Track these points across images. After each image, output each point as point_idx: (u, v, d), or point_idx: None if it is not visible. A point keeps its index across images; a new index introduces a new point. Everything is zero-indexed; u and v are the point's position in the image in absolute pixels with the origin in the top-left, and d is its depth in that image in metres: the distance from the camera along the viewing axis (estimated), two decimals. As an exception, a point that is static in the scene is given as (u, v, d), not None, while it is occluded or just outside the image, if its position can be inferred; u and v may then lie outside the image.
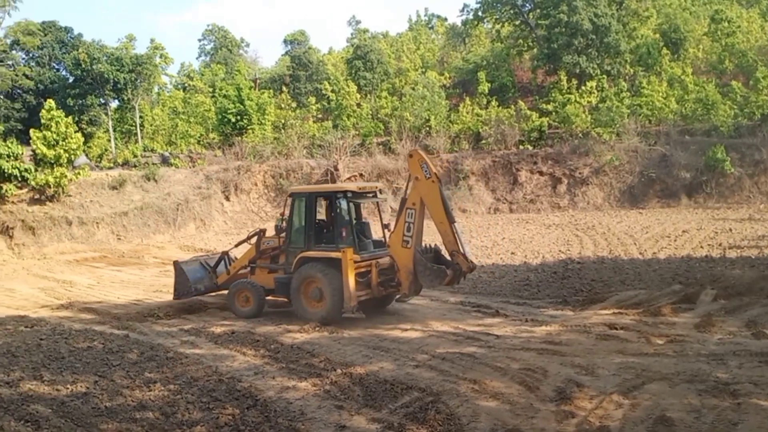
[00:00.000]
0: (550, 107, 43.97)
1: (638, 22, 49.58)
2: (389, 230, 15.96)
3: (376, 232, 16.89)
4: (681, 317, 14.24)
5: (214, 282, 17.57)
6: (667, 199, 38.23)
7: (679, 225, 29.75)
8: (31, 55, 48.78)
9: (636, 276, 19.35)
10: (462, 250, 14.72)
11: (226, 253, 17.95)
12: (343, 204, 15.71)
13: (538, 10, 47.97)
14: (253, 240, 17.08)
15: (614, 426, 8.57)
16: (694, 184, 37.96)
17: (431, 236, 16.06)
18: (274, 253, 16.57)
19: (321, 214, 16.58)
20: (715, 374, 10.32)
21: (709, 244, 24.18)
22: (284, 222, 16.19)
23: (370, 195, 16.61)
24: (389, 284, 15.39)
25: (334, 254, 14.96)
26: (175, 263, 17.72)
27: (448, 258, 15.06)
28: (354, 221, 15.70)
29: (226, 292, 17.29)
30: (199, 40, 70.37)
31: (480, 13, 53.94)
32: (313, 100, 49.04)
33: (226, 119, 44.24)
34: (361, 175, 35.19)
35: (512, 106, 44.95)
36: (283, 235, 16.17)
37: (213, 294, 18.17)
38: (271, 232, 17.11)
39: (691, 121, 41.28)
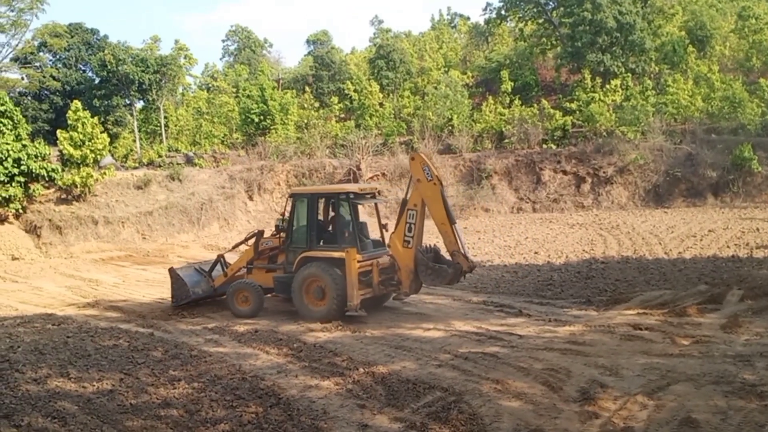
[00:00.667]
0: (573, 106, 43.62)
1: (663, 20, 49.00)
2: (387, 231, 16.54)
3: (373, 233, 17.13)
4: (707, 318, 14.07)
5: (211, 286, 17.66)
6: (692, 199, 37.78)
7: (705, 224, 29.39)
8: (58, 56, 49.43)
9: (661, 276, 19.17)
10: (462, 250, 15.17)
11: (221, 257, 18.05)
12: (345, 205, 16.09)
13: (562, 8, 47.58)
14: (251, 242, 17.34)
15: (639, 427, 8.50)
16: (721, 183, 37.46)
17: (428, 237, 16.30)
18: (273, 253, 16.92)
19: (321, 215, 16.81)
20: (741, 376, 10.20)
21: (735, 244, 23.88)
22: (284, 222, 16.49)
23: (369, 196, 16.89)
24: (389, 283, 15.84)
25: (337, 254, 15.32)
26: (171, 270, 17.77)
27: (448, 257, 15.50)
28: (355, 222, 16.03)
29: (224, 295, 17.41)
30: (223, 41, 70.98)
31: (503, 12, 53.67)
32: (335, 99, 49.14)
33: (249, 119, 44.51)
34: (383, 174, 35.26)
35: (535, 105, 44.67)
36: (283, 234, 16.47)
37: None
38: (269, 233, 17.43)
39: (718, 119, 40.73)
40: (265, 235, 17.29)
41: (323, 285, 15.35)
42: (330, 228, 16.71)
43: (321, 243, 15.97)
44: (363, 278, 15.33)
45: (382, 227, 16.74)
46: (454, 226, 15.11)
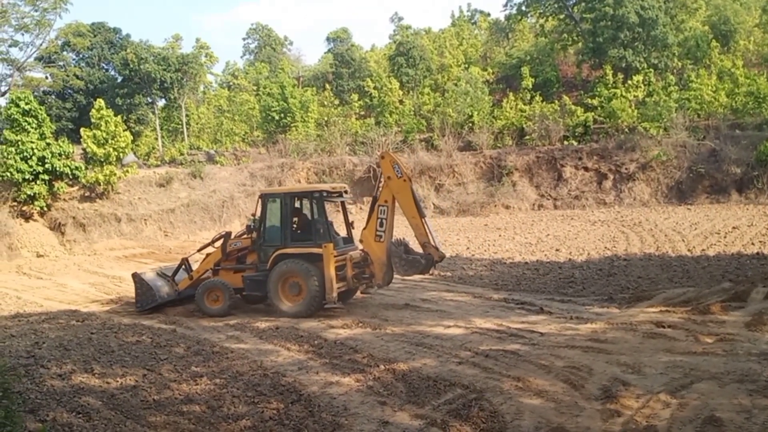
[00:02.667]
0: (595, 102, 43.30)
1: (686, 14, 48.47)
2: (353, 227, 17.55)
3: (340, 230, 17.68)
4: (731, 316, 13.89)
5: (175, 290, 17.72)
6: (716, 195, 37.30)
7: (729, 221, 29.05)
8: (81, 55, 49.99)
9: (684, 273, 18.99)
10: (433, 242, 15.81)
11: (185, 260, 18.15)
12: (318, 203, 16.58)
13: (583, 4, 47.17)
14: (218, 244, 17.54)
15: (661, 426, 8.42)
16: (745, 179, 36.95)
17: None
18: (242, 253, 17.19)
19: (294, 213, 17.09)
20: (766, 374, 10.06)
21: (760, 241, 23.58)
22: (256, 222, 16.81)
23: (337, 195, 17.38)
24: (362, 276, 16.39)
25: (315, 250, 15.79)
26: (135, 275, 17.80)
27: (418, 249, 16.16)
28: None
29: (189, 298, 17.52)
30: (243, 39, 71.27)
31: (524, 8, 53.38)
32: (355, 97, 49.20)
33: (270, 117, 44.70)
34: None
35: (556, 102, 44.39)
36: (253, 234, 16.79)
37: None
38: (235, 235, 17.73)
39: (742, 114, 40.20)
40: (232, 237, 17.51)
41: (300, 281, 15.83)
42: (300, 226, 17.02)
43: (295, 240, 16.37)
44: (338, 272, 15.83)
45: (349, 224, 17.50)
46: (423, 220, 15.78)
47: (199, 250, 18.70)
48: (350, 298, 17.31)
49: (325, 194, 16.73)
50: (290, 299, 16.05)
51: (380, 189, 16.19)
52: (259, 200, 16.91)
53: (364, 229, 16.28)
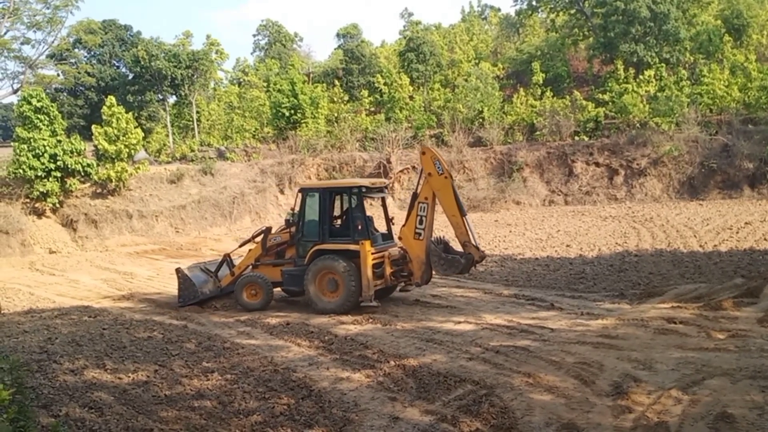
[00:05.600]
0: (606, 97, 43.10)
1: (698, 9, 48.12)
2: (393, 224, 17.15)
3: (380, 226, 17.47)
4: (743, 311, 13.79)
5: (217, 286, 17.74)
6: (728, 190, 37.06)
7: (742, 217, 28.84)
8: (92, 53, 50.25)
9: (696, 269, 18.89)
10: (473, 241, 15.51)
11: (227, 256, 18.12)
12: (357, 199, 16.28)
13: (594, -1, 47.02)
14: (258, 239, 17.47)
15: (673, 422, 8.38)
16: (758, 174, 36.69)
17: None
18: (281, 248, 17.09)
19: (332, 209, 16.94)
20: (779, 370, 10.01)
21: (773, 237, 23.42)
22: (294, 216, 16.70)
23: (377, 190, 17.16)
24: (400, 274, 16.23)
25: (352, 246, 15.61)
26: (178, 270, 17.80)
27: (459, 248, 15.89)
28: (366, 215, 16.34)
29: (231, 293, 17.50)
30: (254, 36, 71.40)
31: (534, 3, 53.24)
32: (365, 93, 49.18)
33: (280, 113, 44.73)
34: (413, 167, 35.20)
35: (567, 97, 44.22)
36: (292, 229, 16.68)
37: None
38: (276, 230, 17.61)
39: (755, 109, 39.90)
40: (272, 232, 17.46)
41: (337, 277, 15.64)
42: (341, 222, 16.95)
43: (333, 236, 16.22)
44: (375, 270, 15.66)
45: (389, 221, 17.20)
46: (464, 218, 15.45)
47: (240, 246, 18.73)
48: (388, 295, 17.02)
49: (364, 189, 16.42)
50: (327, 295, 15.89)
51: (420, 185, 15.89)
52: (299, 194, 16.79)
53: (403, 226, 16.03)
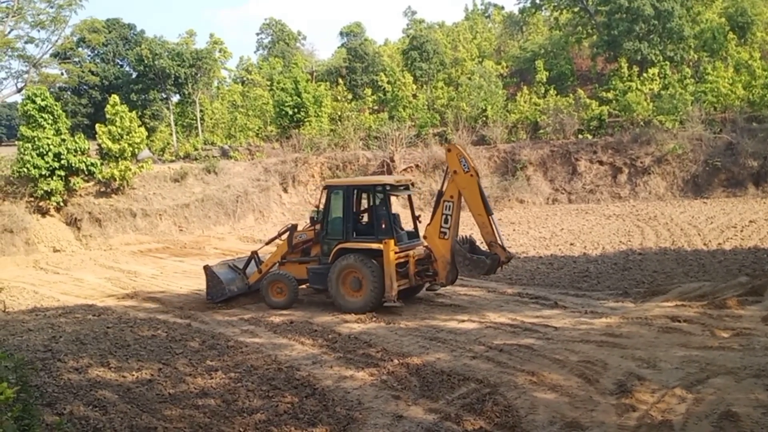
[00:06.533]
0: (610, 95, 43.01)
1: (703, 6, 47.96)
2: (420, 222, 16.74)
3: (406, 224, 17.26)
4: (747, 310, 13.78)
5: (245, 283, 17.73)
6: (733, 189, 36.97)
7: (746, 215, 28.77)
8: (96, 51, 50.26)
9: (700, 267, 18.85)
10: (500, 241, 15.16)
11: (255, 253, 18.07)
12: (381, 197, 16.13)
13: (598, -4, 46.93)
14: (285, 236, 17.39)
15: (677, 420, 8.38)
16: (762, 172, 36.59)
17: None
18: (306, 246, 16.98)
19: (356, 207, 16.75)
20: (783, 369, 9.99)
21: (777, 235, 23.36)
22: (319, 214, 16.55)
23: (404, 188, 16.96)
24: (425, 274, 15.92)
25: (375, 245, 15.41)
26: (206, 267, 17.80)
27: (484, 248, 15.60)
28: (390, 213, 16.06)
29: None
30: (257, 34, 71.26)
31: (537, 1, 53.06)
32: (369, 91, 49.12)
33: (283, 112, 44.70)
34: (417, 166, 35.18)
35: (571, 95, 44.13)
36: (317, 226, 16.55)
37: None
38: (301, 227, 17.57)
39: (759, 107, 39.74)
40: (298, 229, 17.39)
41: (360, 276, 15.47)
42: (365, 219, 16.81)
43: (357, 234, 16.02)
44: (400, 269, 15.43)
45: (416, 219, 16.86)
46: (491, 217, 15.09)
47: (266, 243, 18.66)
48: (414, 295, 16.82)
49: (388, 187, 16.30)
50: (350, 294, 15.72)
51: (446, 183, 15.63)
52: (323, 192, 16.64)
53: (428, 225, 15.74)
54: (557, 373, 10.43)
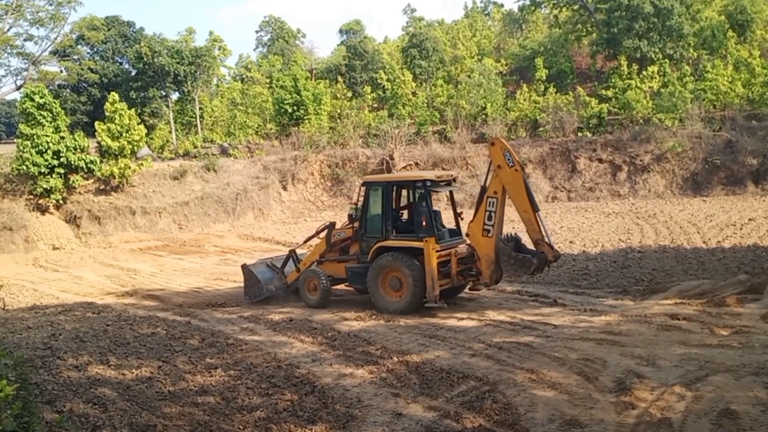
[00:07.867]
0: (609, 93, 42.99)
1: (702, 4, 47.96)
2: (462, 219, 16.10)
3: (448, 221, 16.83)
4: (747, 308, 13.78)
5: (284, 282, 17.44)
6: (732, 187, 36.97)
7: (746, 213, 28.77)
8: (95, 49, 50.29)
9: (699, 265, 18.85)
10: (547, 239, 14.56)
11: (293, 252, 17.79)
12: (422, 193, 15.56)
13: (598, -6, 46.90)
14: (323, 234, 17.00)
15: (676, 418, 8.38)
16: (761, 170, 36.58)
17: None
18: (345, 244, 16.55)
19: (395, 203, 16.34)
20: (782, 367, 9.99)
21: (777, 233, 23.37)
22: (357, 211, 16.05)
23: (445, 184, 16.46)
24: (468, 273, 15.36)
25: (415, 244, 14.92)
26: (244, 267, 17.59)
27: (530, 247, 14.99)
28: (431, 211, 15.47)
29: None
30: (257, 32, 71.29)
31: (537, -1, 53.04)
32: (368, 89, 49.10)
33: (283, 110, 44.69)
34: (416, 164, 35.12)
35: (570, 93, 44.11)
36: (356, 224, 16.11)
37: None
38: (339, 225, 17.17)
39: (759, 105, 39.72)
40: (336, 227, 16.98)
41: (401, 276, 14.99)
42: (405, 217, 16.35)
43: (397, 232, 15.56)
44: (441, 268, 14.87)
45: (458, 215, 16.40)
46: (537, 214, 14.55)
47: (304, 242, 18.30)
48: (456, 295, 16.25)
49: (429, 183, 15.47)
50: (391, 294, 15.22)
51: (489, 179, 14.92)
52: (362, 188, 16.16)
53: (471, 222, 15.03)
54: (556, 370, 10.43)
